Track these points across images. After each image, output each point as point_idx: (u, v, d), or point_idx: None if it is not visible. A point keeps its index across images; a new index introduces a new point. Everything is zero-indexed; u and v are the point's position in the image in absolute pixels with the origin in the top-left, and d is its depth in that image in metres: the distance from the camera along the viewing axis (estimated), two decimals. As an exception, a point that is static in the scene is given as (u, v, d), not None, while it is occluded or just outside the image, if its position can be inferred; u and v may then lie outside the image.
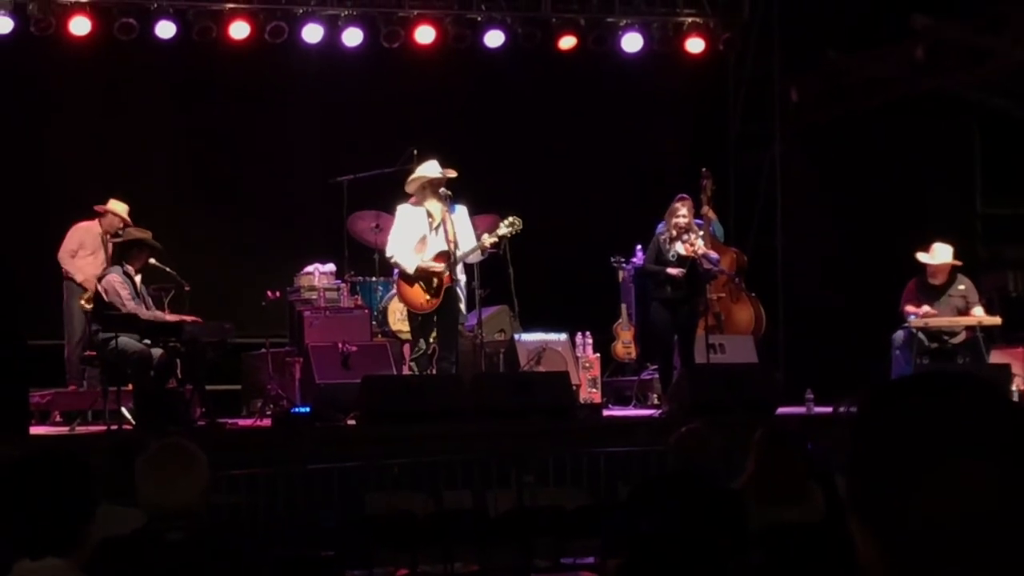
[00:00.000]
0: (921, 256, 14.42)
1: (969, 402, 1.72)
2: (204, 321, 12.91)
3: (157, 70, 16.36)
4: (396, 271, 13.46)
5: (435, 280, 12.87)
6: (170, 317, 12.89)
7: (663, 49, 17.11)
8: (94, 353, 12.93)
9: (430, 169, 12.99)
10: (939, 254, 14.37)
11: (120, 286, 12.64)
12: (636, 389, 15.12)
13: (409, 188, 13.08)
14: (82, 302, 13.92)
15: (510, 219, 13.04)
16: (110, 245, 14.02)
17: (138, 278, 12.86)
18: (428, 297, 12.92)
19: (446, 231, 12.90)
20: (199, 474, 4.66)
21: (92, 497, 3.97)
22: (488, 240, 12.95)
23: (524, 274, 13.56)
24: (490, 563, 9.40)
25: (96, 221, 14.23)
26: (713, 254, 13.85)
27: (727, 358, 14.31)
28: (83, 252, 14.17)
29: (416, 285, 12.95)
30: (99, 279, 13.02)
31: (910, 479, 1.68)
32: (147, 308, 12.82)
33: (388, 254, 13.27)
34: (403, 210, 13.13)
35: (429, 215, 12.95)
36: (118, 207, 14.14)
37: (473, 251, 13.00)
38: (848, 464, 1.74)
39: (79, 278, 14.05)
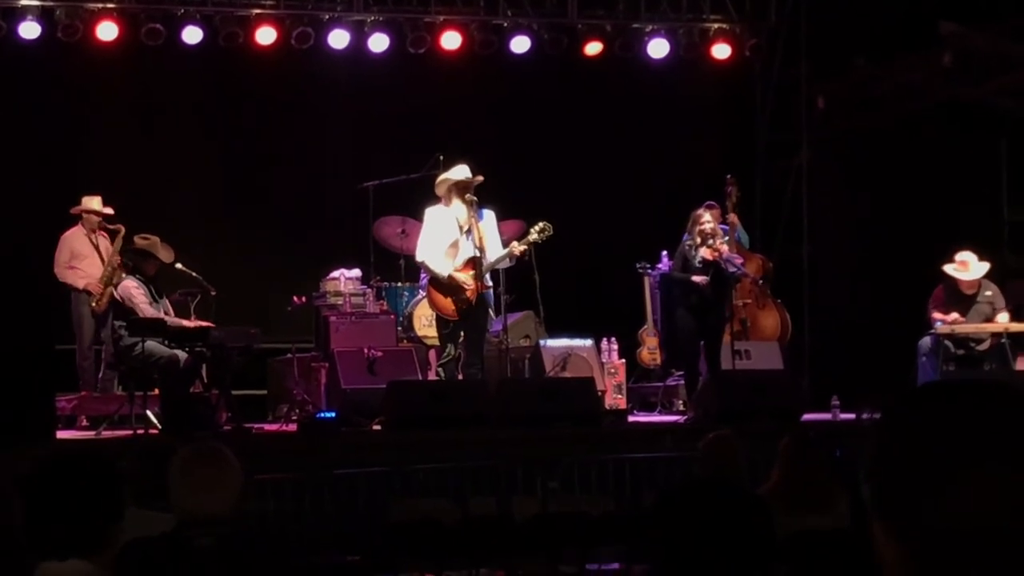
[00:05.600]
0: (954, 271, 14.36)
1: (993, 408, 1.72)
2: (228, 326, 12.95)
3: (184, 75, 16.40)
4: (424, 277, 13.44)
5: (466, 290, 12.80)
6: (188, 323, 12.92)
7: (689, 55, 17.10)
8: (114, 359, 13.01)
9: (458, 172, 12.93)
10: (973, 269, 14.34)
11: (135, 290, 12.70)
12: (661, 395, 15.09)
13: (438, 190, 13.04)
14: (92, 306, 14.03)
15: (540, 225, 12.95)
16: (100, 242, 14.16)
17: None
18: (459, 305, 12.85)
19: (474, 237, 12.84)
20: (233, 480, 4.65)
21: (119, 499, 3.97)
22: (519, 247, 12.87)
23: (550, 280, 13.55)
24: (515, 570, 9.40)
25: (80, 225, 14.31)
26: (736, 257, 13.85)
27: (753, 364, 14.30)
28: (76, 260, 14.23)
29: (448, 294, 12.87)
30: (115, 286, 13.13)
31: (933, 484, 1.68)
32: (165, 313, 12.88)
33: (419, 258, 13.14)
34: (432, 213, 13.05)
35: (457, 220, 12.89)
36: (91, 203, 14.26)
37: (503, 258, 12.93)
38: (871, 468, 1.74)
39: (81, 285, 14.14)
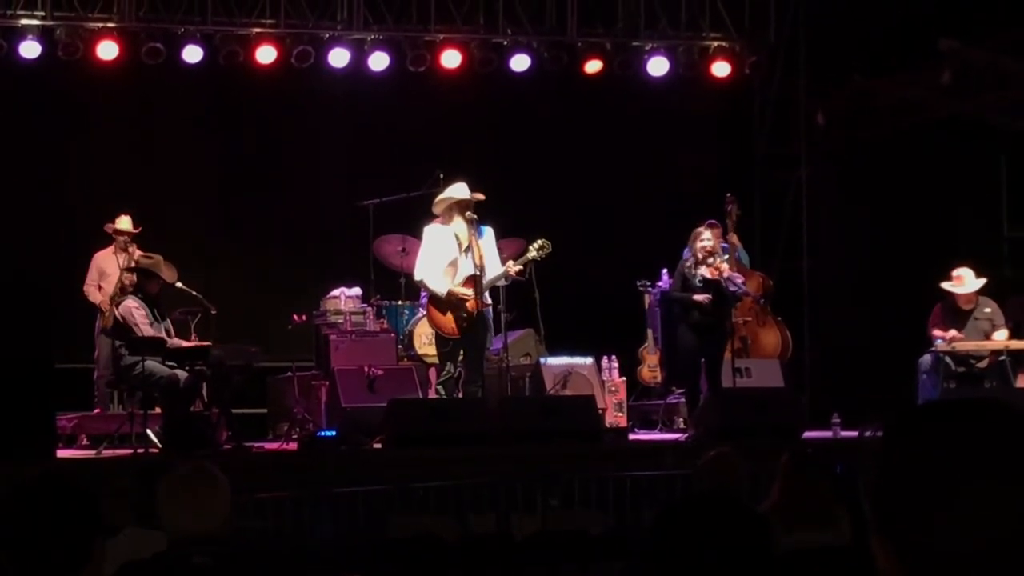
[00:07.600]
0: (951, 287, 14.35)
1: (993, 428, 1.72)
2: (228, 345, 12.95)
3: (184, 95, 16.42)
4: (424, 295, 13.42)
5: (465, 307, 12.76)
6: (187, 344, 12.92)
7: (689, 73, 17.10)
8: (114, 377, 13.01)
9: (458, 191, 12.89)
10: (968, 283, 14.33)
11: (136, 310, 12.69)
12: (662, 413, 15.09)
13: (436, 209, 12.98)
14: (102, 324, 14.05)
15: (539, 242, 12.87)
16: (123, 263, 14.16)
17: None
18: (459, 323, 12.81)
19: (473, 255, 12.81)
20: (222, 498, 4.64)
21: (94, 520, 3.96)
22: (513, 267, 12.81)
23: (550, 298, 13.55)
24: (515, 587, 9.38)
25: (113, 245, 14.33)
26: (738, 276, 13.83)
27: (753, 382, 14.28)
28: (103, 279, 14.28)
29: (447, 311, 12.84)
30: (116, 305, 13.10)
31: (933, 503, 1.68)
32: (167, 332, 12.86)
33: (418, 277, 13.06)
34: (431, 231, 12.98)
35: (457, 237, 12.85)
36: (121, 224, 14.26)
37: (499, 277, 12.88)
38: (873, 486, 1.74)
39: (97, 301, 14.19)
